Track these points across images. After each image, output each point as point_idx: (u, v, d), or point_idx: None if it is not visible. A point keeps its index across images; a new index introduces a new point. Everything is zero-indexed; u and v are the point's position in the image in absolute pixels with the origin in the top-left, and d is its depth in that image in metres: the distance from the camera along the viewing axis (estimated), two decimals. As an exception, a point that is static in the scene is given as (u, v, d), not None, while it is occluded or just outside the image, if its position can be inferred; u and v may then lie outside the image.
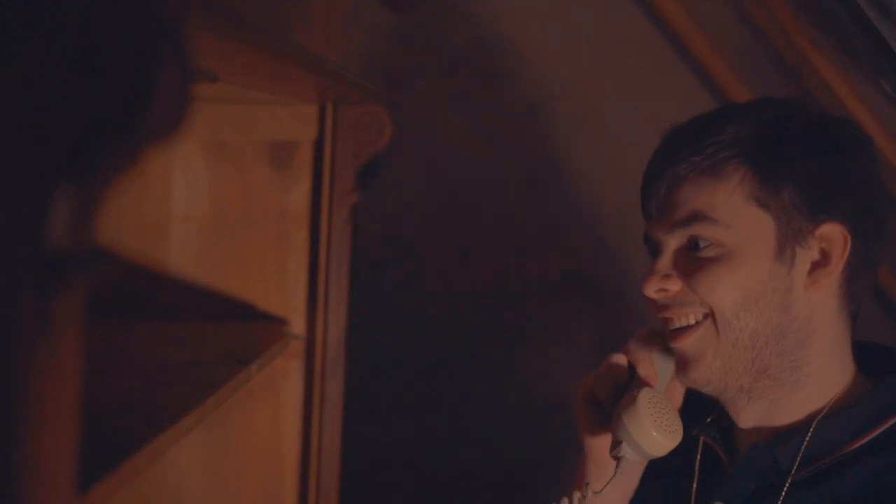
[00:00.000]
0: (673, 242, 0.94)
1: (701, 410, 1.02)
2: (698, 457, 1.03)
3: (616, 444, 0.96)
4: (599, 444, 1.02)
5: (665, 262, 0.94)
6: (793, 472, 0.92)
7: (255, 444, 1.27)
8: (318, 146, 1.25)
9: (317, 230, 1.25)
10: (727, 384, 0.95)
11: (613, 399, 1.00)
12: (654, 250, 0.97)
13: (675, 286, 0.94)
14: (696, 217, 0.92)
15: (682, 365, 0.96)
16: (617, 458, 0.96)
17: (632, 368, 1.00)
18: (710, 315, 0.92)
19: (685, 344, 0.94)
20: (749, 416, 0.97)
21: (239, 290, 1.25)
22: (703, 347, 0.93)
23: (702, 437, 1.02)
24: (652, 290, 0.94)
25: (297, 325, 1.26)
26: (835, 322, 0.94)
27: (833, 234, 0.91)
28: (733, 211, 0.91)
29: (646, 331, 1.00)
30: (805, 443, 0.93)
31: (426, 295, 1.85)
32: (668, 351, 0.98)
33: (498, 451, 1.84)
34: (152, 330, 1.18)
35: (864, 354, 0.98)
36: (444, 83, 1.81)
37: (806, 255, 0.91)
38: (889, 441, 0.91)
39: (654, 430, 0.94)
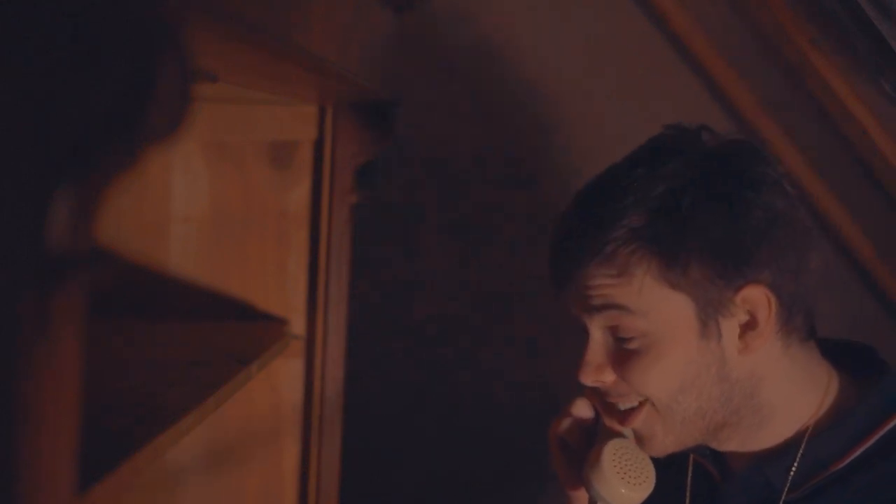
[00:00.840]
0: (596, 329, 0.93)
1: None
2: (689, 474, 1.02)
3: (592, 502, 0.96)
4: (579, 495, 1.01)
5: (594, 351, 0.93)
6: (785, 493, 0.91)
7: (255, 444, 1.27)
8: (318, 146, 1.24)
9: (317, 230, 1.25)
10: (686, 447, 0.95)
11: (584, 446, 0.99)
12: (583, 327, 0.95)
13: (609, 377, 0.93)
14: (609, 306, 0.90)
15: (639, 440, 0.95)
16: None
17: (597, 412, 0.99)
18: (650, 401, 0.92)
19: (633, 425, 0.94)
20: (729, 446, 0.96)
21: (239, 290, 1.25)
22: (651, 427, 0.93)
23: (692, 455, 1.02)
24: (588, 381, 0.94)
25: (297, 325, 1.26)
26: (783, 360, 0.92)
27: (754, 296, 0.88)
28: (646, 299, 0.89)
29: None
30: (797, 461, 0.91)
31: (426, 295, 1.85)
32: None
33: (498, 452, 1.84)
34: (152, 330, 1.18)
35: (845, 354, 0.97)
36: (445, 83, 1.81)
37: (731, 322, 0.89)
38: (880, 453, 0.89)
39: (623, 487, 0.93)
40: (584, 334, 0.96)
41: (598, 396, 0.97)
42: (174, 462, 1.25)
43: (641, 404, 0.93)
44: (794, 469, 0.91)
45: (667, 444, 0.94)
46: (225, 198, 1.24)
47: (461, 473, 1.85)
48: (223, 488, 1.27)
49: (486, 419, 1.84)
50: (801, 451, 0.92)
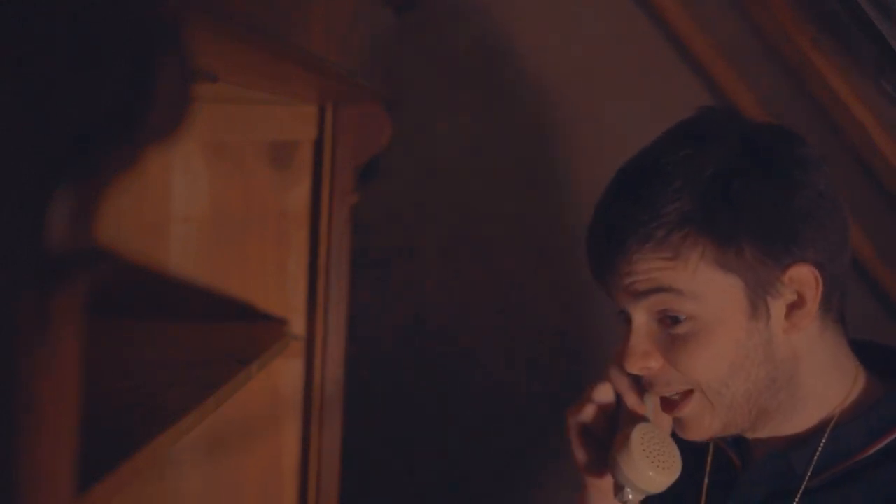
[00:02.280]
0: (641, 315, 0.92)
1: None
2: (709, 458, 1.02)
3: (619, 488, 0.95)
4: (599, 481, 1.00)
5: (640, 338, 0.92)
6: (806, 479, 0.91)
7: (255, 443, 1.27)
8: (318, 146, 1.25)
9: (317, 230, 1.25)
10: (727, 433, 0.95)
11: (606, 432, 0.98)
12: (624, 315, 0.94)
13: (656, 363, 0.92)
14: (660, 290, 0.89)
15: (681, 428, 0.95)
16: (623, 502, 0.95)
17: (618, 396, 0.99)
18: (696, 386, 0.91)
19: (680, 413, 0.93)
20: (760, 433, 0.96)
21: (239, 291, 1.25)
22: (699, 414, 0.92)
23: (713, 441, 1.02)
24: (635, 369, 0.92)
25: (297, 325, 1.26)
26: (820, 342, 0.93)
27: (803, 275, 0.89)
28: (699, 281, 0.88)
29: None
30: (820, 448, 0.92)
31: (426, 295, 1.85)
32: None
33: (498, 452, 1.84)
34: (152, 330, 1.18)
35: (871, 354, 0.97)
36: (445, 83, 1.81)
37: (780, 302, 0.89)
38: None
39: (651, 470, 0.93)
40: (620, 324, 0.95)
41: (626, 379, 0.96)
42: (174, 462, 1.25)
43: (689, 391, 0.92)
44: (816, 457, 0.92)
45: (713, 429, 0.93)
46: (225, 198, 1.24)
47: (461, 473, 1.85)
48: (223, 488, 1.27)
49: (486, 419, 1.84)
50: (824, 439, 0.92)
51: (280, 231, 1.25)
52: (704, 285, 0.88)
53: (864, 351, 0.97)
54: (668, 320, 0.90)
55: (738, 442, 1.00)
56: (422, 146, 1.81)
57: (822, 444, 0.92)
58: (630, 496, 0.95)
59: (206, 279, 1.25)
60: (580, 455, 1.00)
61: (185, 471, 1.26)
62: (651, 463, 0.93)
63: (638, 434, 0.93)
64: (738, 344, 0.89)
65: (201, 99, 1.00)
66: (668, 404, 0.94)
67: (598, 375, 1.01)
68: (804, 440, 0.93)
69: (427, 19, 1.75)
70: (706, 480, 1.01)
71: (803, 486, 0.92)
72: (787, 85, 1.69)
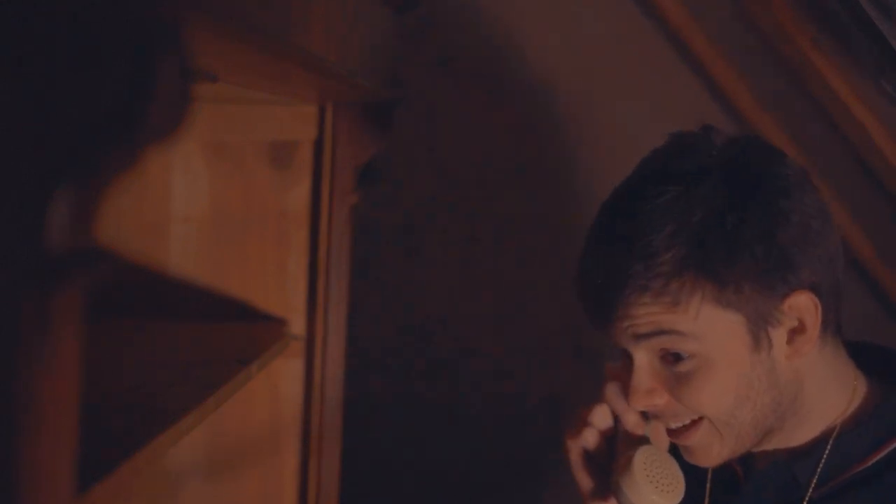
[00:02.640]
0: (643, 355, 0.91)
1: None
2: (710, 471, 1.02)
3: None
4: None
5: (643, 376, 0.91)
6: (810, 490, 0.91)
7: (255, 443, 1.27)
8: (318, 146, 1.24)
9: (317, 230, 1.25)
10: (739, 454, 0.94)
11: (606, 454, 0.97)
12: (623, 351, 0.94)
13: (661, 399, 0.92)
14: (661, 332, 0.89)
15: (690, 455, 0.95)
16: None
17: (615, 417, 0.98)
18: (704, 417, 0.91)
19: (689, 442, 0.93)
20: (765, 447, 0.96)
21: (239, 291, 1.25)
22: (708, 442, 0.92)
23: None
24: (640, 406, 0.92)
25: (297, 325, 1.26)
26: (820, 359, 0.93)
27: (801, 303, 0.88)
28: (700, 322, 0.88)
29: (618, 371, 0.97)
30: (824, 458, 0.92)
31: (426, 295, 1.85)
32: None
33: (498, 452, 1.84)
34: (152, 330, 1.18)
35: (868, 356, 0.97)
36: (445, 83, 1.81)
37: (780, 331, 0.89)
38: None
39: (655, 494, 0.92)
40: (623, 357, 0.95)
41: (624, 400, 0.95)
42: (174, 461, 1.25)
43: (697, 421, 0.92)
44: (820, 467, 0.92)
45: (722, 455, 0.93)
46: (225, 198, 1.24)
47: (461, 474, 1.85)
48: (223, 488, 1.27)
49: (487, 419, 1.84)
50: (828, 450, 0.92)
51: (280, 231, 1.25)
52: (706, 325, 0.88)
53: (861, 353, 0.97)
54: (671, 358, 0.90)
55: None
56: (422, 146, 1.81)
57: (825, 455, 0.92)
58: None
59: (206, 279, 1.24)
60: (584, 481, 0.99)
61: (184, 470, 1.26)
62: (655, 487, 0.92)
63: (640, 458, 0.92)
64: (742, 376, 0.89)
65: (201, 99, 1.00)
66: (675, 433, 0.94)
67: (594, 394, 1.00)
68: (808, 451, 0.93)
69: (427, 19, 1.75)
70: (708, 491, 1.01)
71: (807, 497, 0.92)
72: (787, 85, 1.69)
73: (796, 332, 0.89)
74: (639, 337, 0.90)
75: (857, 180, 1.69)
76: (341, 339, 1.28)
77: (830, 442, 0.92)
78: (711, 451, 0.93)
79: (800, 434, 0.94)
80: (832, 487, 0.91)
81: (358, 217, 1.30)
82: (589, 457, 0.99)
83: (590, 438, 0.97)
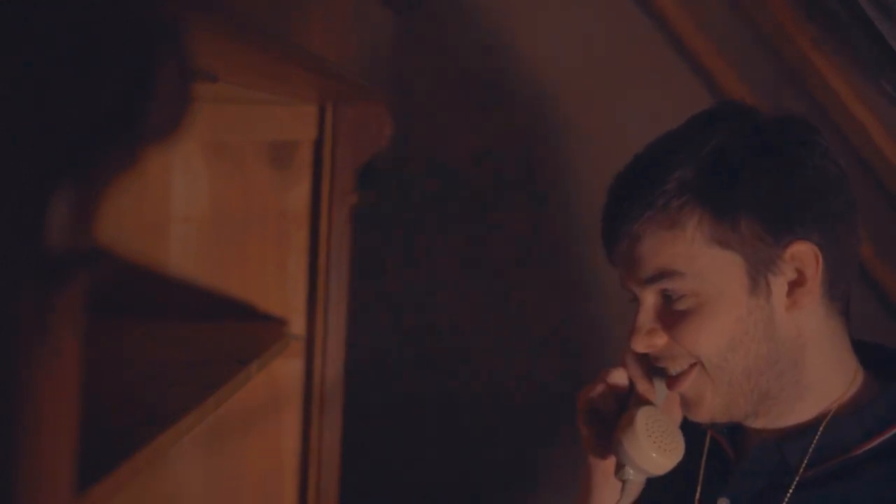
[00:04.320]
0: (649, 297, 0.94)
1: None
2: (705, 451, 1.03)
3: (619, 466, 0.97)
4: (602, 461, 1.02)
5: (646, 317, 0.95)
6: (801, 472, 0.92)
7: (255, 443, 1.27)
8: (318, 146, 1.24)
9: (317, 230, 1.25)
10: (732, 415, 0.95)
11: (615, 414, 1.00)
12: (634, 297, 0.97)
13: (660, 340, 0.94)
14: (662, 274, 0.92)
15: (685, 406, 0.97)
16: (622, 481, 0.97)
17: (631, 382, 1.00)
18: (700, 362, 0.93)
19: (682, 389, 0.95)
20: (759, 422, 0.97)
21: (239, 291, 1.25)
22: (700, 390, 0.94)
23: (709, 432, 1.02)
24: (640, 347, 0.95)
25: (297, 325, 1.26)
26: (825, 328, 0.93)
27: (803, 253, 0.90)
28: (697, 259, 0.90)
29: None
30: (814, 442, 0.92)
31: (426, 295, 1.85)
32: None
33: (498, 452, 1.84)
34: (152, 330, 1.18)
35: (869, 354, 0.98)
36: (445, 83, 1.81)
37: (780, 280, 0.90)
38: None
39: (654, 451, 0.94)
40: (632, 307, 0.98)
41: (639, 366, 0.99)
42: (173, 462, 1.25)
43: (691, 367, 0.93)
44: (811, 449, 0.92)
45: (714, 407, 0.94)
46: (225, 198, 1.24)
47: (461, 473, 1.85)
48: (224, 487, 1.27)
49: (486, 419, 1.84)
50: (819, 432, 0.93)
51: (280, 231, 1.25)
52: (703, 264, 0.90)
53: (862, 351, 0.97)
54: (672, 296, 0.92)
55: (734, 432, 1.01)
56: (422, 146, 1.81)
57: (816, 437, 0.92)
58: (630, 475, 0.96)
59: (206, 279, 1.24)
60: (585, 431, 1.02)
61: (184, 471, 1.26)
62: (654, 444, 0.94)
63: (643, 415, 0.95)
64: (738, 319, 0.90)
65: (201, 99, 1.00)
66: (673, 381, 0.96)
67: (614, 362, 1.03)
68: (801, 432, 0.94)
69: (427, 19, 1.75)
70: (701, 471, 1.02)
71: (797, 479, 0.92)
72: (787, 85, 1.69)
73: (796, 283, 0.91)
74: (644, 281, 0.93)
75: (857, 180, 1.69)
76: (341, 339, 1.28)
77: (823, 424, 0.93)
78: (705, 399, 0.94)
79: (797, 411, 0.95)
80: (823, 470, 0.92)
81: (358, 217, 1.30)
82: (596, 412, 1.02)
83: (599, 394, 1.01)
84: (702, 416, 0.96)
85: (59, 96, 0.39)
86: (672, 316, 0.93)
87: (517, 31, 1.79)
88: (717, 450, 1.02)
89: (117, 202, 0.42)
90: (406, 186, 1.82)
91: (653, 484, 1.00)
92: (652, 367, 0.98)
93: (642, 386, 0.98)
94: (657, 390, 0.98)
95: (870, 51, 1.38)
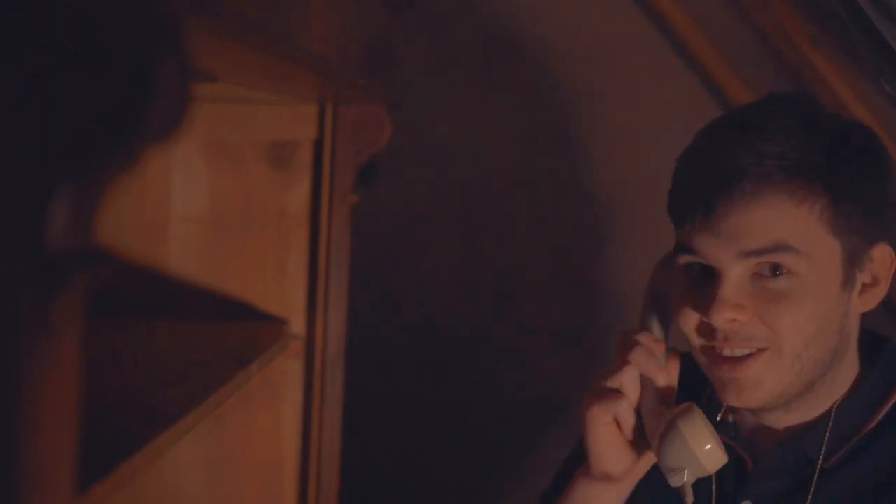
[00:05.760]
0: (737, 269, 0.86)
1: (690, 392, 0.98)
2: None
3: (671, 471, 0.88)
4: (626, 479, 0.96)
5: (733, 289, 0.86)
6: (820, 462, 0.92)
7: (255, 443, 1.27)
8: (318, 146, 1.25)
9: (317, 230, 1.25)
10: (775, 405, 0.92)
11: (636, 422, 0.93)
12: (701, 268, 0.89)
13: (745, 316, 0.87)
14: (778, 247, 0.85)
15: (736, 391, 0.90)
16: (679, 487, 0.89)
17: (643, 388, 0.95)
18: (774, 345, 0.88)
19: (744, 374, 0.89)
20: (779, 421, 0.96)
21: (239, 290, 1.25)
22: (763, 376, 0.89)
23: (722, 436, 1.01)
24: (723, 319, 0.86)
25: (297, 325, 1.26)
26: (857, 325, 0.96)
27: (884, 255, 0.91)
28: (815, 240, 0.86)
29: (641, 336, 0.94)
30: (828, 431, 0.93)
31: (426, 294, 1.85)
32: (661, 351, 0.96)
33: (498, 452, 1.84)
34: (152, 330, 1.18)
35: (863, 341, 0.99)
36: (445, 83, 1.81)
37: (862, 277, 0.91)
38: None
39: (714, 443, 0.88)
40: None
41: (655, 360, 0.92)
42: (173, 462, 1.25)
43: (759, 350, 0.88)
44: (826, 438, 0.93)
45: (772, 392, 0.89)
46: (225, 198, 1.24)
47: (461, 474, 1.85)
48: (224, 488, 1.27)
49: (487, 419, 1.84)
50: (831, 421, 0.93)
51: (280, 231, 1.25)
52: (817, 247, 0.87)
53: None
54: (769, 272, 0.87)
55: (747, 436, 1.00)
56: (422, 146, 1.81)
57: (829, 427, 0.93)
58: (686, 477, 0.88)
59: (206, 279, 1.24)
60: (609, 449, 0.94)
61: (185, 470, 1.26)
62: (713, 434, 0.87)
63: (697, 411, 0.87)
64: (828, 310, 0.88)
65: (201, 99, 1.00)
66: (733, 363, 0.89)
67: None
68: (814, 425, 0.94)
69: (427, 19, 1.75)
70: (714, 478, 1.01)
71: (818, 468, 0.92)
72: (787, 85, 1.69)
73: (869, 284, 0.92)
74: (751, 253, 0.85)
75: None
76: (341, 339, 1.28)
77: (833, 413, 0.94)
78: (764, 385, 0.88)
79: (814, 408, 0.94)
80: (842, 455, 0.93)
81: (358, 217, 1.30)
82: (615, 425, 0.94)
83: (623, 405, 0.92)
84: (753, 401, 0.90)
85: (58, 96, 0.39)
86: (765, 293, 0.87)
87: (517, 31, 1.79)
88: (728, 455, 1.00)
89: (117, 202, 0.42)
90: (406, 186, 1.82)
91: (659, 493, 0.96)
92: (660, 353, 0.94)
93: (664, 380, 0.92)
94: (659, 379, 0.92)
95: (870, 51, 1.38)
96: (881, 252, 0.91)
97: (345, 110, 1.24)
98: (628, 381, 0.93)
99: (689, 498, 0.89)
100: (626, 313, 1.83)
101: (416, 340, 1.84)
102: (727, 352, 0.89)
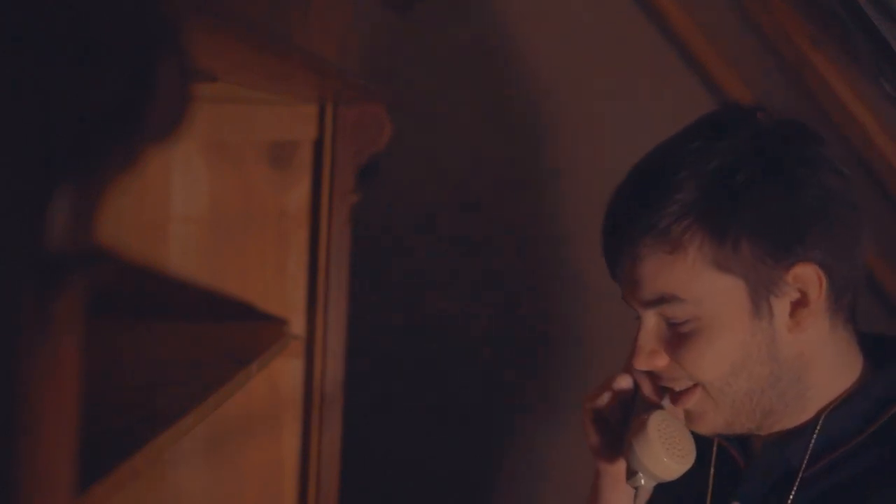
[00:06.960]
0: (650, 317, 0.93)
1: None
2: (713, 456, 1.03)
3: (631, 473, 0.96)
4: (612, 466, 1.02)
5: (648, 337, 0.93)
6: (802, 469, 0.92)
7: (255, 443, 1.27)
8: (318, 146, 1.24)
9: (317, 230, 1.25)
10: (734, 430, 0.95)
11: (621, 420, 0.99)
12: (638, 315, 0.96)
13: (662, 361, 0.93)
14: (662, 299, 0.90)
15: (689, 420, 0.96)
16: (634, 487, 0.96)
17: (636, 384, 1.00)
18: (700, 383, 0.92)
19: (685, 406, 0.94)
20: (765, 433, 0.97)
21: (239, 290, 1.25)
22: (702, 408, 0.93)
23: (716, 439, 1.02)
24: (642, 366, 0.94)
25: (297, 325, 1.26)
26: (830, 341, 0.93)
27: (806, 275, 0.88)
28: (699, 284, 0.88)
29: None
30: (813, 440, 0.92)
31: (426, 294, 1.85)
32: None
33: (498, 452, 1.84)
34: (152, 330, 1.18)
35: (868, 344, 0.98)
36: (445, 83, 1.81)
37: (783, 301, 0.89)
38: (890, 428, 0.91)
39: (666, 456, 0.93)
40: (637, 321, 0.97)
41: (646, 374, 0.97)
42: (173, 462, 1.25)
43: (695, 386, 0.93)
44: (810, 446, 0.93)
45: (717, 423, 0.94)
46: (225, 198, 1.24)
47: (460, 474, 1.85)
48: (224, 488, 1.27)
49: (487, 419, 1.84)
50: (817, 429, 0.93)
51: (280, 231, 1.25)
52: (704, 286, 0.88)
53: (867, 342, 0.97)
54: (674, 320, 0.91)
55: (741, 439, 1.01)
56: (422, 146, 1.81)
57: (815, 435, 0.93)
58: (642, 481, 0.95)
59: (206, 279, 1.24)
60: (593, 439, 1.02)
61: (184, 471, 1.26)
62: (666, 449, 0.93)
63: (655, 420, 0.93)
64: (741, 343, 0.89)
65: (201, 99, 1.00)
66: (675, 397, 0.95)
67: (615, 369, 1.03)
68: (800, 433, 0.94)
69: (427, 19, 1.75)
70: (711, 478, 1.02)
71: (799, 476, 0.92)
72: (787, 85, 1.69)
73: (799, 304, 0.89)
74: (645, 304, 0.92)
75: (856, 181, 1.69)
76: (341, 339, 1.28)
77: (821, 421, 0.93)
78: (707, 417, 0.94)
79: (800, 417, 0.94)
80: (823, 465, 0.92)
81: (358, 217, 1.30)
82: (601, 419, 1.01)
83: (605, 399, 1.00)
84: (705, 430, 0.95)
85: (58, 96, 0.39)
86: (674, 338, 0.91)
87: (517, 31, 1.79)
88: (725, 455, 1.01)
89: (117, 202, 0.42)
90: (406, 186, 1.82)
91: (661, 491, 0.99)
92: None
93: (647, 388, 0.97)
94: (665, 393, 0.97)
95: (870, 51, 1.38)
96: (802, 272, 0.88)
97: (345, 110, 1.24)
98: (620, 381, 1.01)
99: (636, 500, 0.96)
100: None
101: (416, 340, 1.84)
102: (671, 389, 0.95)
